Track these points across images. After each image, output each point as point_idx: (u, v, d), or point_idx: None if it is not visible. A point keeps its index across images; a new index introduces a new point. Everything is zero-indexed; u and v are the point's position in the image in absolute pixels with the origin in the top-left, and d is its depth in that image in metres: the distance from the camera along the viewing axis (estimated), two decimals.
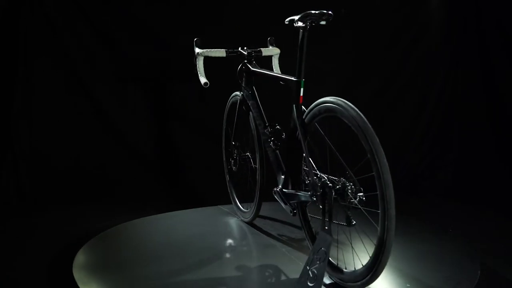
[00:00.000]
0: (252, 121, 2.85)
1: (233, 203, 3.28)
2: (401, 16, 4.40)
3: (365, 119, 1.92)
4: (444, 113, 4.56)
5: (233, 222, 3.13)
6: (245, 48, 2.88)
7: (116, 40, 4.11)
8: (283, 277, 2.29)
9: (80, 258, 2.52)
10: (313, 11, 2.21)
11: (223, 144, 3.31)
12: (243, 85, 2.90)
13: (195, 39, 2.85)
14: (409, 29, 4.42)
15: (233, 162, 3.08)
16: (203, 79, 2.75)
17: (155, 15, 4.10)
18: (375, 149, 1.86)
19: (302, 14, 2.24)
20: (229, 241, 2.86)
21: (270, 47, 2.98)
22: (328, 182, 2.06)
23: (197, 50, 2.82)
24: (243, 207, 3.16)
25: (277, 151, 2.61)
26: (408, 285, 2.17)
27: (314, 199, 2.16)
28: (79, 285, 2.20)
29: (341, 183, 2.03)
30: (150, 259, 2.55)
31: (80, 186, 4.06)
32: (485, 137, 4.39)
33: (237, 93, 3.02)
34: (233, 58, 2.89)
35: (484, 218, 3.63)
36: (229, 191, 3.31)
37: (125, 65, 4.17)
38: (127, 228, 3.06)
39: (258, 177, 2.90)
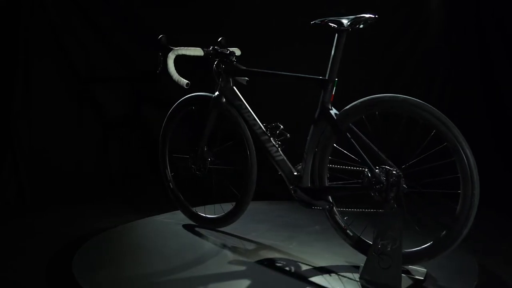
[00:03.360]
0: (242, 121, 2.73)
1: (184, 211, 3.12)
2: (401, 16, 4.40)
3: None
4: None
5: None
6: (216, 47, 2.72)
7: (117, 40, 4.12)
8: (280, 273, 2.30)
9: (79, 258, 2.52)
10: (366, 15, 2.28)
11: (161, 148, 3.17)
12: (221, 85, 2.75)
13: (160, 36, 2.62)
14: (409, 29, 4.42)
15: (200, 167, 2.90)
16: (183, 80, 2.57)
17: (155, 15, 4.10)
18: (458, 136, 2.23)
19: (355, 17, 2.34)
20: (226, 243, 2.85)
21: (231, 48, 2.78)
22: (394, 171, 2.23)
23: (166, 48, 2.61)
24: (203, 213, 3.05)
25: (280, 150, 2.60)
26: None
27: (377, 190, 2.24)
28: (79, 285, 2.21)
29: (399, 172, 2.23)
30: (150, 259, 2.55)
31: (80, 186, 4.06)
32: (485, 137, 4.38)
33: (202, 94, 2.88)
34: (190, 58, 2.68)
35: (484, 218, 3.61)
36: (174, 199, 3.15)
37: (125, 65, 4.17)
38: (127, 228, 3.06)
39: (253, 177, 2.82)
